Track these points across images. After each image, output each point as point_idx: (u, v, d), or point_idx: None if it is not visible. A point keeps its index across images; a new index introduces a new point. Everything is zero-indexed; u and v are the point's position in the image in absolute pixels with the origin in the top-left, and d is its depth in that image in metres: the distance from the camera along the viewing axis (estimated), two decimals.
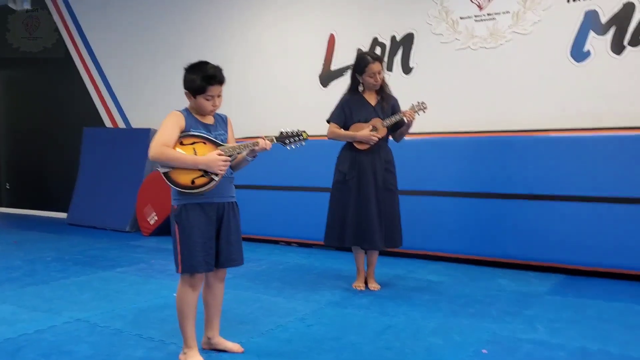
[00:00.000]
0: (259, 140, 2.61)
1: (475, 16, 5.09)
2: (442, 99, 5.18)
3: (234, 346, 2.77)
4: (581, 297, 3.69)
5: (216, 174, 2.51)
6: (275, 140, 2.70)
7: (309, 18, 6.00)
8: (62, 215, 7.83)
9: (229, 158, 2.54)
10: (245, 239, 6.06)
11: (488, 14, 5.04)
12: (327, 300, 3.67)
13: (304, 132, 2.73)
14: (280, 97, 6.19)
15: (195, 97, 2.55)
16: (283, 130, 2.73)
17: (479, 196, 4.71)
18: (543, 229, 4.41)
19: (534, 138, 4.59)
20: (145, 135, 6.83)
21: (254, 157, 2.67)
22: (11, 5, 8.26)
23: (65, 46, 7.94)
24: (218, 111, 2.69)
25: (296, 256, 5.12)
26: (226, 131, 2.69)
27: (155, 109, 6.96)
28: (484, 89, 5.06)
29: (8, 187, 8.82)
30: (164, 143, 2.46)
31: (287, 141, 2.72)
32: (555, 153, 4.45)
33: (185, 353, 2.62)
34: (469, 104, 5.13)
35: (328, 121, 3.94)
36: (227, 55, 6.40)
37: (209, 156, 2.50)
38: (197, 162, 2.48)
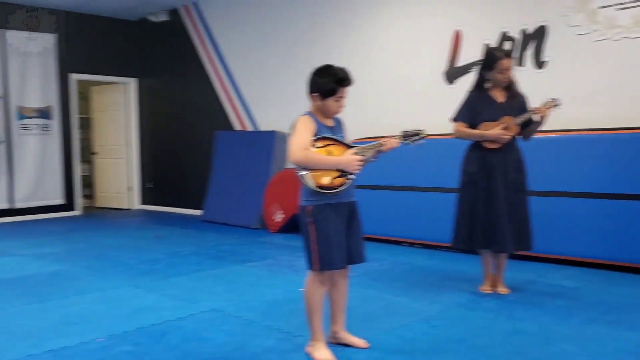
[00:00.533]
0: (385, 140, 2.68)
1: (619, 4, 4.74)
2: (578, 94, 4.89)
3: (359, 341, 2.82)
4: None
5: (352, 174, 2.61)
6: (401, 139, 2.75)
7: (434, 14, 5.93)
8: (198, 212, 8.35)
9: (363, 158, 2.62)
10: (368, 239, 6.10)
11: (633, 1, 4.68)
12: (452, 301, 3.61)
13: (423, 130, 2.77)
14: (404, 95, 6.17)
15: (324, 100, 2.64)
16: (405, 130, 2.79)
17: (621, 197, 4.39)
18: None
19: None
20: (271, 137, 7.12)
21: (376, 157, 2.74)
22: (151, 18, 8.97)
23: (196, 54, 8.47)
24: None
25: (420, 257, 5.08)
26: (343, 133, 2.77)
27: (280, 112, 7.23)
28: (625, 82, 4.71)
29: (150, 186, 9.56)
30: (304, 146, 2.57)
31: (409, 139, 2.78)
32: None
33: (312, 345, 2.71)
34: (608, 99, 4.79)
35: (454, 119, 3.86)
36: (349, 54, 6.49)
37: (347, 157, 2.61)
38: (338, 163, 2.59)
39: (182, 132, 8.93)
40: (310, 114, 2.70)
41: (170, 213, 8.96)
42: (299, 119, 2.66)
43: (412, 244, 5.65)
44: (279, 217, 6.62)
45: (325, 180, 2.59)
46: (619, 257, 4.36)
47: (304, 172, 2.59)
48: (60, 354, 2.76)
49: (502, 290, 3.82)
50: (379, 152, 2.72)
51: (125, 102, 9.60)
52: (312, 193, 2.62)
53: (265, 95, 7.64)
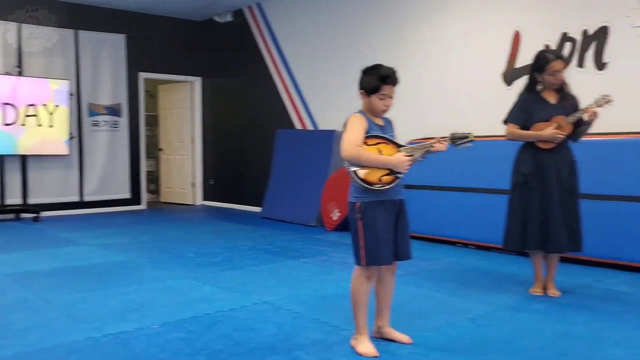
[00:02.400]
0: (434, 142, 2.72)
1: None
2: (639, 96, 4.77)
3: (402, 337, 2.88)
4: None
5: (401, 173, 2.68)
6: (449, 141, 2.79)
7: (493, 13, 5.88)
8: (257, 209, 8.57)
9: (412, 158, 2.69)
10: (421, 239, 6.18)
11: None
12: (501, 303, 3.61)
13: (470, 133, 2.79)
14: (462, 96, 6.14)
15: (369, 97, 2.73)
16: (453, 132, 2.81)
17: None
18: None
19: None
20: (330, 136, 7.22)
21: (424, 157, 2.79)
22: (217, 19, 9.27)
23: (259, 52, 8.68)
24: (389, 112, 2.85)
25: (473, 258, 5.06)
26: (393, 132, 2.84)
27: (339, 112, 7.31)
28: None
29: (212, 182, 9.88)
30: (357, 143, 2.66)
31: (457, 142, 2.79)
32: None
33: (356, 339, 2.79)
34: None
35: (505, 122, 3.86)
36: (407, 54, 6.53)
37: (397, 157, 2.68)
38: (388, 162, 2.67)
39: (244, 130, 9.18)
40: (362, 112, 2.79)
41: (231, 209, 9.23)
42: (352, 116, 2.76)
43: (466, 245, 5.63)
44: (336, 215, 6.72)
45: (374, 177, 2.67)
46: None
47: (354, 168, 2.69)
48: (118, 337, 2.96)
49: (553, 292, 3.78)
50: (428, 152, 2.77)
51: (190, 100, 9.96)
52: (361, 190, 2.71)
53: (325, 95, 7.76)
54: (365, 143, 2.70)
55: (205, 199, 10.04)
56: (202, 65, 9.80)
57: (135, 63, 9.14)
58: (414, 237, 5.93)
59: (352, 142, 2.67)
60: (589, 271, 4.49)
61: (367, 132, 2.71)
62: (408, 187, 6.29)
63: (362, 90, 2.77)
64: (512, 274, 4.44)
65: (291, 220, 7.44)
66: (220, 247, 5.60)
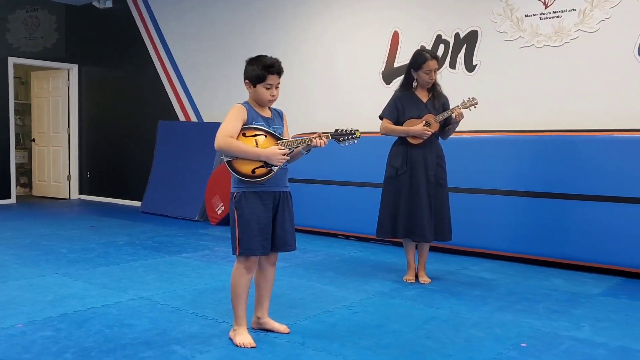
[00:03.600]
0: (315, 137, 2.71)
1: (541, 14, 5.02)
2: (505, 97, 5.17)
3: (281, 327, 2.93)
4: (635, 300, 3.61)
5: (275, 166, 2.69)
6: (330, 137, 2.79)
7: (373, 14, 6.09)
8: (137, 203, 8.29)
9: (287, 151, 2.71)
10: (305, 231, 6.28)
11: (554, 12, 4.96)
12: (376, 290, 3.77)
13: (357, 130, 2.78)
14: (342, 93, 6.32)
15: (255, 87, 2.73)
16: (338, 129, 2.81)
17: (540, 196, 4.65)
18: (602, 230, 4.32)
19: (598, 138, 4.50)
20: (216, 128, 7.07)
21: (308, 151, 2.81)
22: (96, 4, 8.83)
23: (142, 40, 8.39)
24: (275, 105, 2.87)
25: (353, 249, 5.24)
26: (282, 125, 2.86)
27: (225, 103, 7.26)
28: (547, 87, 4.99)
29: (89, 175, 9.41)
30: (229, 134, 2.65)
31: (341, 139, 2.79)
32: (618, 153, 4.34)
33: (235, 330, 2.79)
34: (531, 103, 5.07)
35: (381, 117, 4.04)
36: (292, 48, 6.61)
37: (270, 149, 2.68)
38: (259, 154, 2.67)
39: (124, 121, 8.83)
40: (246, 103, 2.78)
41: (110, 204, 8.86)
42: (233, 106, 2.75)
43: (347, 237, 5.81)
44: (220, 209, 6.66)
45: (247, 168, 2.67)
46: (535, 251, 4.62)
47: (228, 159, 2.68)
48: None
49: (424, 280, 4.01)
50: (309, 146, 2.78)
51: (66, 88, 9.41)
52: (239, 180, 2.71)
53: (210, 87, 7.65)
54: (243, 134, 2.70)
55: (82, 193, 9.55)
56: (79, 52, 9.28)
57: (4, 47, 8.48)
58: (298, 230, 6.07)
59: (224, 132, 2.67)
60: (457, 259, 4.80)
61: (248, 124, 2.71)
62: (293, 180, 6.39)
63: (247, 81, 2.76)
64: (388, 263, 4.65)
65: (174, 215, 7.28)
66: (95, 243, 5.36)
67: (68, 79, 9.38)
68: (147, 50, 8.37)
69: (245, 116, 2.72)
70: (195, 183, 7.18)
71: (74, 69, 9.36)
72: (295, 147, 2.75)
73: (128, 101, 8.75)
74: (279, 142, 2.73)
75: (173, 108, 8.10)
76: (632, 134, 4.36)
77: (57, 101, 9.52)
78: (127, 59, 8.70)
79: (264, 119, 2.77)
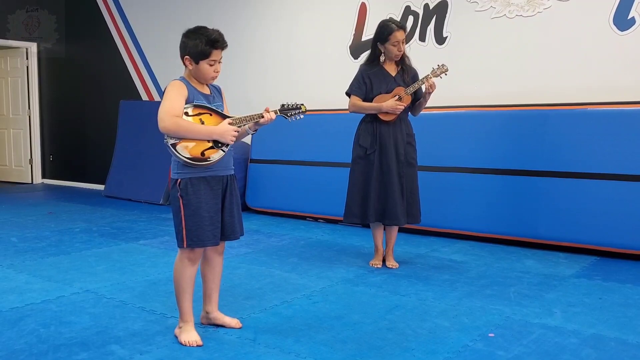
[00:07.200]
0: (264, 112, 2.55)
1: None
2: (476, 70, 4.96)
3: (231, 321, 2.71)
4: (609, 281, 3.46)
5: (226, 145, 2.47)
6: (278, 112, 2.65)
7: None
8: (101, 187, 7.98)
9: (239, 129, 2.49)
10: (273, 214, 6.04)
11: None
12: (340, 277, 3.56)
13: (303, 104, 2.68)
14: (307, 69, 6.05)
15: (197, 63, 2.47)
16: (284, 103, 2.70)
17: (512, 173, 4.47)
18: (575, 209, 4.16)
19: (572, 112, 4.31)
20: None
21: (255, 130, 2.61)
22: None
23: (105, 22, 8.01)
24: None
25: (320, 232, 5.03)
26: (222, 102, 2.62)
27: None
28: (520, 59, 4.78)
29: (51, 158, 9.05)
30: (175, 113, 2.38)
31: (289, 114, 2.68)
32: (593, 128, 4.17)
33: (180, 327, 2.57)
34: (504, 76, 4.86)
35: (348, 94, 3.78)
36: (251, 24, 6.30)
37: (222, 126, 2.45)
38: (212, 132, 2.42)
39: (85, 101, 8.46)
40: (183, 79, 2.52)
41: (73, 187, 8.53)
42: (170, 83, 2.48)
43: (315, 219, 5.60)
44: None
45: (196, 150, 2.42)
46: (507, 231, 4.46)
47: (172, 142, 2.42)
48: None
49: (392, 264, 3.81)
50: (258, 124, 2.58)
51: (25, 68, 8.97)
52: (182, 165, 2.46)
53: (172, 65, 7.28)
54: (186, 113, 2.44)
55: (45, 177, 9.18)
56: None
57: None
58: (265, 213, 5.84)
59: (169, 112, 2.39)
60: (427, 240, 4.62)
61: (190, 102, 2.46)
62: (260, 161, 6.15)
63: (187, 57, 2.50)
64: (355, 246, 4.45)
65: (137, 199, 6.99)
66: (50, 231, 5.07)
67: (27, 58, 8.94)
68: (107, 26, 7.98)
69: (186, 93, 2.46)
70: (159, 165, 6.87)
71: (33, 47, 8.92)
72: (245, 125, 2.52)
73: (89, 80, 8.36)
74: (228, 118, 2.49)
75: (135, 87, 7.76)
76: (607, 107, 4.18)
77: (15, 81, 9.08)
78: (87, 36, 8.29)
79: (204, 96, 2.51)
